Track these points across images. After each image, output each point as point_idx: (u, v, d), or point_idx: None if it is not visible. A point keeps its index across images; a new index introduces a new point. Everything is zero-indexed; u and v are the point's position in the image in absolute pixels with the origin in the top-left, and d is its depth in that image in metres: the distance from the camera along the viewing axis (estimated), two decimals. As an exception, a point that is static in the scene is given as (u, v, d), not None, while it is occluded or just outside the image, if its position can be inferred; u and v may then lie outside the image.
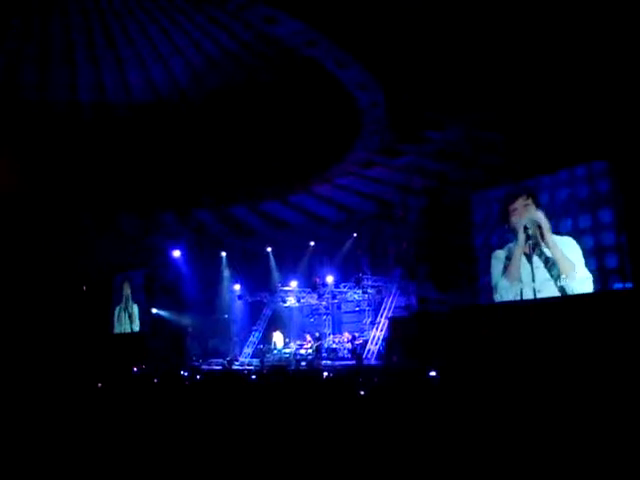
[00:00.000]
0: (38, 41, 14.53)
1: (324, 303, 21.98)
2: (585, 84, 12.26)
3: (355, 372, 13.84)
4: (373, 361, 17.89)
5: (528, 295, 14.54)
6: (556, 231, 14.19)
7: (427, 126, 15.32)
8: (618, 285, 12.91)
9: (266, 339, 22.81)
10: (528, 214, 14.80)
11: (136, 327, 25.51)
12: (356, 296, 20.76)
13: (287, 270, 23.16)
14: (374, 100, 14.50)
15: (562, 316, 12.73)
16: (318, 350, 20.06)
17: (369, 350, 18.54)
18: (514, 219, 15.12)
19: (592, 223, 13.53)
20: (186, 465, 5.44)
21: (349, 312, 22.20)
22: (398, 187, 19.01)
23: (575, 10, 10.43)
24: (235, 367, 19.78)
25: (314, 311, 22.96)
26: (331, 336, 21.42)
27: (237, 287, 24.06)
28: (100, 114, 16.79)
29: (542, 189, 14.69)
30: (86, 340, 22.61)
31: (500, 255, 15.46)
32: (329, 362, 18.70)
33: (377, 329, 18.93)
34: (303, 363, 18.62)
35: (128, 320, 26.06)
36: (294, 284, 21.98)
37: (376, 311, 19.82)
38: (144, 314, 25.02)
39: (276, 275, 23.46)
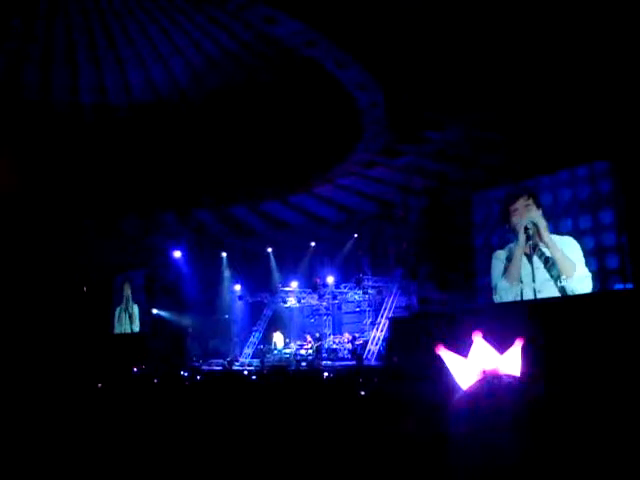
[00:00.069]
0: (39, 42, 14.53)
1: (324, 303, 21.97)
2: (587, 84, 12.24)
3: (355, 372, 13.83)
4: (373, 362, 17.89)
5: (528, 295, 14.52)
6: (557, 231, 14.17)
7: (427, 126, 15.31)
8: (619, 286, 12.90)
9: (266, 339, 22.80)
10: (529, 214, 14.78)
11: (136, 327, 25.52)
12: (357, 296, 20.75)
13: (288, 270, 23.15)
14: (374, 100, 14.48)
15: (563, 316, 12.70)
16: (318, 350, 20.06)
17: (369, 350, 18.53)
18: (515, 219, 15.10)
19: (593, 223, 13.52)
20: (186, 465, 5.43)
21: (349, 312, 22.20)
22: (399, 187, 19.00)
23: (576, 9, 10.41)
24: (235, 367, 19.77)
25: (314, 311, 22.96)
26: (331, 336, 21.42)
27: (237, 287, 24.06)
28: (100, 114, 16.79)
29: (543, 189, 14.67)
30: (86, 340, 22.59)
31: (501, 255, 15.44)
32: (329, 362, 18.69)
33: (377, 329, 18.93)
34: (303, 363, 18.61)
35: (128, 320, 26.06)
36: (294, 284, 21.98)
37: (377, 311, 19.81)
38: (144, 314, 25.03)
39: (277, 275, 23.46)
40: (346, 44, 12.44)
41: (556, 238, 14.15)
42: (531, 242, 14.61)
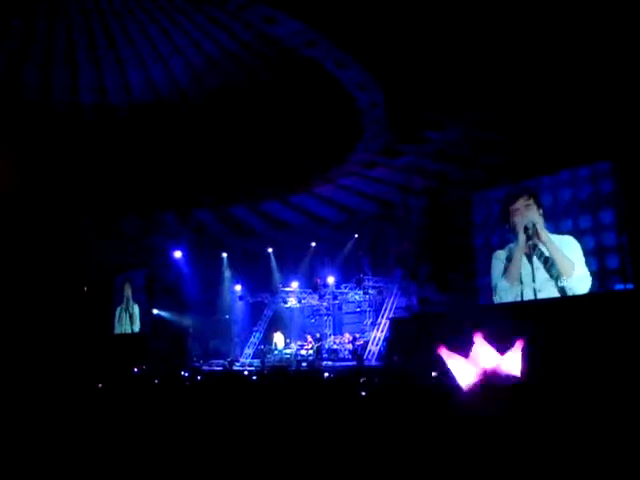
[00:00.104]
0: (39, 41, 14.53)
1: (325, 304, 21.97)
2: (588, 84, 12.23)
3: (356, 373, 13.82)
4: (374, 362, 17.89)
5: (529, 296, 14.51)
6: (557, 231, 14.16)
7: (427, 126, 15.30)
8: (619, 286, 12.89)
9: (267, 340, 22.79)
10: (529, 214, 14.77)
11: (137, 328, 25.52)
12: (357, 297, 20.75)
13: (288, 271, 23.15)
14: (374, 100, 14.48)
15: (563, 317, 12.69)
16: (319, 351, 20.05)
17: (370, 351, 18.53)
18: (515, 219, 15.09)
19: (593, 223, 13.51)
20: (187, 466, 5.42)
21: (350, 313, 22.19)
22: (399, 187, 19.00)
23: (577, 9, 10.40)
24: (236, 368, 19.76)
25: (315, 312, 22.96)
26: (332, 337, 21.41)
27: (238, 288, 24.06)
28: (100, 114, 16.79)
29: (543, 189, 14.66)
30: (87, 340, 22.59)
31: (501, 255, 15.43)
32: (330, 363, 18.69)
33: (378, 330, 18.93)
34: (304, 364, 18.61)
35: (129, 321, 26.06)
36: (295, 285, 21.98)
37: (377, 312, 19.81)
38: (145, 314, 25.04)
39: (277, 276, 23.46)
40: (346, 44, 12.44)
41: (556, 238, 14.14)
42: (531, 242, 14.61)
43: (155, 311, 24.40)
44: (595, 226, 13.47)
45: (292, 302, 22.15)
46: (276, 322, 23.37)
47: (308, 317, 23.40)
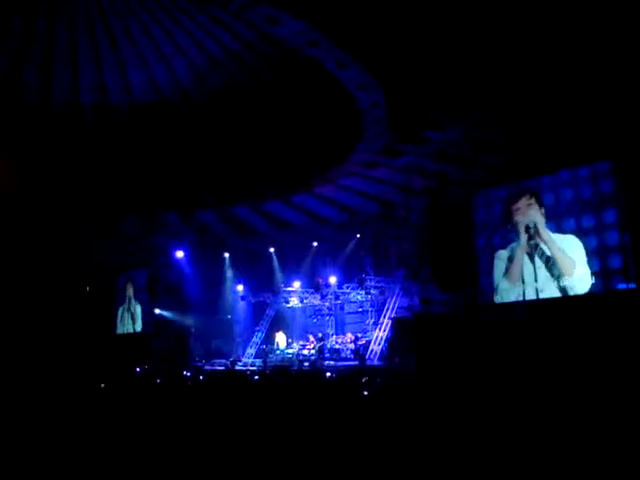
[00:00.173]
0: (40, 41, 14.55)
1: (327, 304, 21.97)
2: (588, 84, 12.23)
3: (358, 373, 13.83)
4: (376, 362, 17.89)
5: (531, 296, 14.49)
6: (559, 230, 14.15)
7: (428, 126, 15.31)
8: (622, 286, 12.87)
9: (269, 340, 22.80)
10: (531, 213, 14.76)
11: (139, 327, 25.53)
12: (359, 297, 20.76)
13: (290, 271, 23.17)
14: (374, 100, 14.48)
15: (565, 317, 12.68)
16: (321, 351, 20.06)
17: (372, 351, 18.53)
18: (517, 219, 15.07)
19: (595, 223, 13.50)
20: (189, 465, 5.44)
21: (352, 313, 22.20)
22: (400, 188, 19.00)
23: (578, 9, 10.40)
24: (238, 367, 19.78)
25: (317, 312, 22.96)
26: (334, 337, 21.40)
27: (240, 288, 24.06)
28: (102, 114, 16.81)
29: (545, 189, 14.65)
30: (89, 340, 22.63)
31: (503, 255, 15.41)
32: (332, 363, 18.69)
33: (380, 330, 18.93)
34: (306, 364, 18.61)
35: (131, 320, 26.08)
36: (297, 285, 22.00)
37: (379, 312, 19.81)
38: (147, 314, 25.04)
39: (279, 276, 23.47)
40: (347, 44, 12.46)
41: (558, 237, 14.13)
42: (533, 242, 14.59)
43: (157, 311, 24.41)
44: (598, 225, 13.45)
45: (294, 302, 22.15)
46: (278, 322, 23.39)
47: (310, 317, 23.40)
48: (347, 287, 20.61)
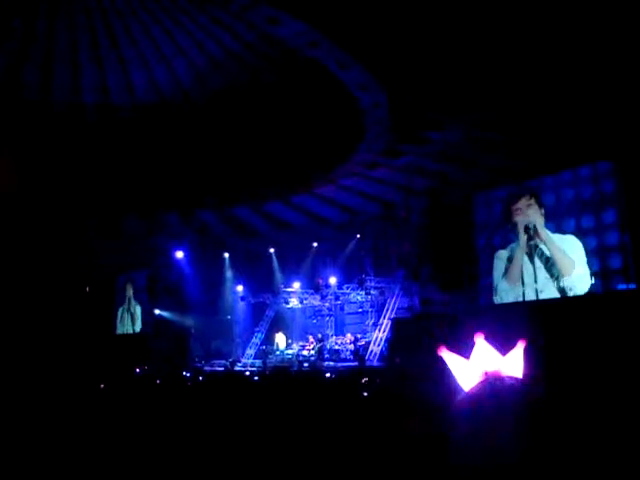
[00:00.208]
0: (40, 41, 14.55)
1: (327, 304, 21.96)
2: (589, 84, 12.23)
3: (358, 373, 13.81)
4: (376, 362, 17.87)
5: (530, 296, 14.49)
6: (559, 230, 14.14)
7: (428, 127, 15.31)
8: (622, 286, 12.86)
9: (269, 340, 22.80)
10: (530, 214, 14.75)
11: (138, 328, 25.53)
12: (359, 297, 20.75)
13: (290, 271, 23.16)
14: (376, 101, 14.49)
15: (565, 317, 12.66)
16: (321, 351, 20.05)
17: (372, 351, 18.53)
18: (517, 219, 15.07)
19: (596, 223, 13.49)
20: (188, 466, 5.43)
21: (352, 313, 22.20)
22: (400, 188, 19.00)
23: (579, 9, 10.39)
24: (237, 368, 19.76)
25: (317, 312, 22.96)
26: (334, 337, 21.40)
27: (240, 288, 24.06)
28: (103, 114, 16.81)
29: (545, 189, 14.65)
30: (89, 341, 22.62)
31: (502, 255, 15.41)
32: (332, 363, 18.68)
33: (380, 330, 18.92)
34: (306, 364, 18.60)
35: (130, 321, 26.08)
36: (297, 285, 21.99)
37: (379, 312, 19.80)
38: (147, 315, 25.04)
39: (279, 276, 23.46)
40: (348, 45, 12.46)
41: (557, 237, 14.12)
42: (532, 242, 14.59)
43: (157, 311, 24.41)
44: (598, 226, 13.44)
45: (294, 302, 22.15)
46: (278, 322, 23.39)
47: (310, 317, 23.40)
48: (347, 288, 20.61)
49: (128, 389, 11.51)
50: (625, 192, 13.00)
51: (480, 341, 3.89)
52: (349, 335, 20.74)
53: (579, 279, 13.48)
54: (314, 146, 16.65)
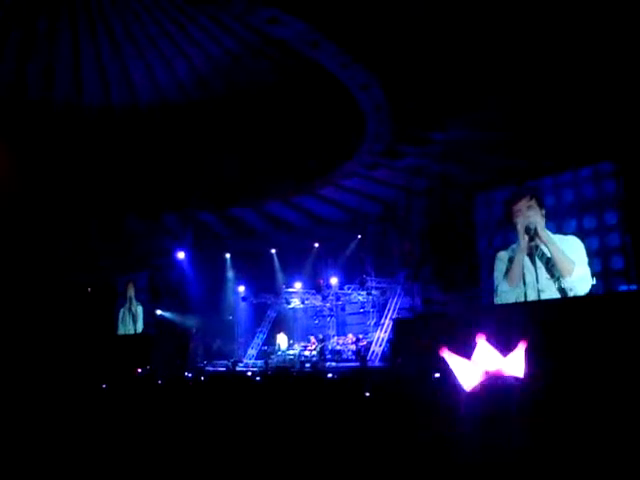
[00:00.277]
0: (41, 41, 14.58)
1: (328, 305, 21.95)
2: (591, 84, 12.22)
3: (359, 374, 13.82)
4: (377, 363, 17.86)
5: (532, 297, 14.48)
6: (560, 231, 14.13)
7: (430, 127, 15.31)
8: (623, 287, 12.85)
9: (270, 341, 22.79)
10: (531, 215, 14.74)
11: (140, 328, 25.53)
12: (360, 297, 20.74)
13: (291, 272, 23.14)
14: (377, 101, 14.49)
15: (566, 318, 12.65)
16: (322, 352, 20.04)
17: (373, 352, 18.52)
18: (517, 220, 15.06)
19: (597, 224, 13.47)
20: (190, 466, 5.44)
21: (353, 314, 22.18)
22: (402, 189, 19.00)
23: (580, 10, 10.40)
24: (239, 368, 19.78)
25: (318, 313, 22.94)
26: (335, 338, 21.39)
27: (241, 289, 24.06)
28: (104, 114, 16.84)
29: (546, 190, 14.63)
30: (90, 341, 22.63)
31: (503, 256, 15.39)
32: (333, 364, 18.68)
33: (381, 330, 18.91)
34: (307, 365, 18.61)
35: (132, 321, 26.07)
36: (298, 286, 21.98)
37: (380, 313, 19.79)
38: (148, 315, 25.03)
39: (280, 277, 23.46)
40: (349, 45, 12.46)
41: (558, 238, 14.10)
42: (533, 243, 14.58)
43: (158, 312, 24.39)
44: (599, 227, 13.42)
45: (295, 303, 22.16)
46: (279, 323, 23.38)
47: (311, 318, 23.38)
48: (348, 288, 20.59)
49: (130, 389, 11.53)
50: (627, 193, 12.98)
51: (481, 342, 3.91)
52: (351, 335, 20.74)
53: (580, 280, 13.46)
54: (315, 147, 16.66)
